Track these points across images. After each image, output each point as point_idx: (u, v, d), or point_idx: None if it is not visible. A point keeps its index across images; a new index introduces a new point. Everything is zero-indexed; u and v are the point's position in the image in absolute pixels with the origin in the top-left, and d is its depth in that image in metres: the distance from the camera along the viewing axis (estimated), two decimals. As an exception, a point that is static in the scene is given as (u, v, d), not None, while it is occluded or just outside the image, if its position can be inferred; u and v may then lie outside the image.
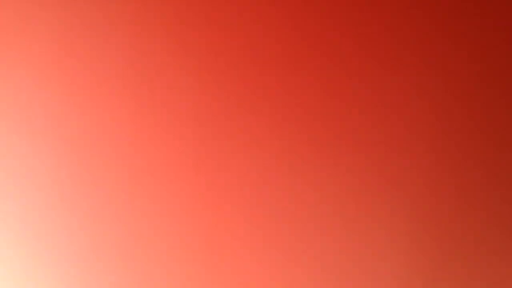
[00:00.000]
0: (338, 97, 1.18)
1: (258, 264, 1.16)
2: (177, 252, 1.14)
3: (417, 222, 1.18)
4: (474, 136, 1.19)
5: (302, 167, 1.17)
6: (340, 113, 1.18)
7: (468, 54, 1.20)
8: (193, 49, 1.16)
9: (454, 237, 1.18)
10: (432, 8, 1.20)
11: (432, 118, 1.19)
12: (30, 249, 1.12)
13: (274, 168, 1.17)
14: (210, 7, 1.17)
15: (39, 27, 1.14)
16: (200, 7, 1.17)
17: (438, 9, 1.20)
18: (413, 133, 1.18)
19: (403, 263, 1.17)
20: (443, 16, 1.20)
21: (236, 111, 1.16)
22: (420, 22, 1.19)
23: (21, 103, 1.13)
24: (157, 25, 1.16)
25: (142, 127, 1.15)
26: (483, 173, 1.19)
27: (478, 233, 1.18)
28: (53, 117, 1.14)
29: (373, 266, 1.17)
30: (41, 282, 1.12)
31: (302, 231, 1.16)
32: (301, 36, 1.18)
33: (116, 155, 1.14)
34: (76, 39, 1.15)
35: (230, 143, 1.16)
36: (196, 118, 1.16)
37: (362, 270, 1.17)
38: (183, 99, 1.16)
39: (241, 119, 1.16)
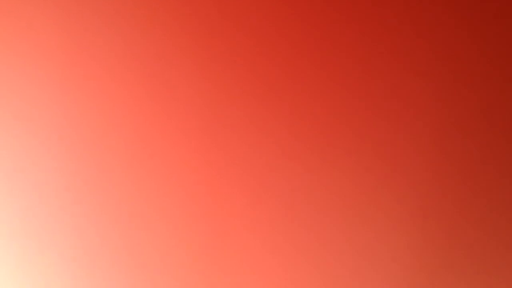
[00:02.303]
0: (349, 93, 1.18)
1: (267, 258, 1.16)
2: (185, 247, 1.15)
3: (426, 217, 1.18)
4: (481, 132, 1.19)
5: (310, 161, 1.17)
6: (351, 110, 1.18)
7: (477, 48, 1.20)
8: (202, 43, 1.16)
9: (461, 232, 1.18)
10: (440, 3, 1.20)
11: (439, 113, 1.19)
12: (31, 249, 1.12)
13: (285, 165, 1.17)
14: (220, 2, 1.17)
15: (39, 26, 1.14)
16: (209, 3, 1.17)
17: (445, 3, 1.20)
18: (422, 129, 1.19)
19: (411, 258, 1.18)
20: (452, 10, 1.20)
21: (246, 106, 1.17)
22: (429, 16, 1.20)
23: (21, 103, 1.14)
24: (167, 20, 1.16)
25: (150, 123, 1.15)
26: (491, 168, 1.19)
27: (486, 228, 1.19)
28: (61, 114, 1.14)
29: (380, 261, 1.17)
30: (42, 282, 1.12)
31: (310, 225, 1.17)
32: (311, 30, 1.18)
33: (123, 150, 1.14)
34: (85, 35, 1.15)
35: (241, 139, 1.16)
36: (204, 113, 1.16)
37: (369, 264, 1.17)
38: (191, 95, 1.16)
39: (251, 114, 1.17)
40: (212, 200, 1.16)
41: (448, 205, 1.19)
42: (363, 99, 1.18)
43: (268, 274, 1.16)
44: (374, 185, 1.18)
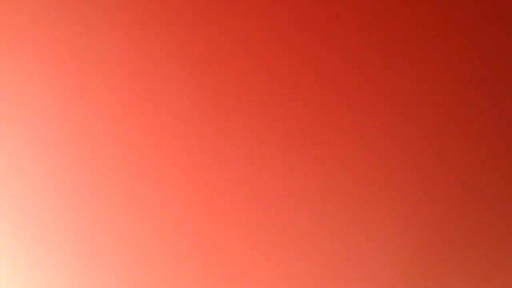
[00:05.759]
0: (340, 96, 1.18)
1: (259, 263, 1.16)
2: (177, 252, 1.15)
3: (419, 218, 1.18)
4: (474, 133, 1.19)
5: (303, 163, 1.17)
6: (342, 111, 1.18)
7: (474, 52, 1.20)
8: (193, 48, 1.16)
9: (454, 232, 1.18)
10: (437, 5, 1.20)
11: (433, 116, 1.19)
12: (30, 249, 1.12)
13: (276, 167, 1.17)
14: (211, 7, 1.17)
15: (39, 27, 1.14)
16: (200, 6, 1.17)
17: (443, 6, 1.20)
18: (414, 130, 1.18)
19: (405, 259, 1.17)
20: (447, 13, 1.20)
21: (236, 109, 1.17)
22: (424, 19, 1.20)
23: (21, 103, 1.14)
24: (158, 24, 1.16)
25: (143, 127, 1.15)
26: (484, 169, 1.19)
27: (479, 228, 1.19)
28: (54, 118, 1.14)
29: (374, 261, 1.17)
30: (41, 282, 1.12)
31: (303, 227, 1.17)
32: (302, 32, 1.18)
33: (116, 154, 1.14)
34: (76, 39, 1.15)
35: (231, 141, 1.16)
36: (195, 117, 1.16)
37: (363, 265, 1.17)
38: (182, 98, 1.16)
39: (241, 118, 1.17)
40: (204, 204, 1.16)
41: (442, 205, 1.19)
42: (356, 101, 1.18)
43: (260, 277, 1.16)
44: (367, 186, 1.18)
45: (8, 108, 1.13)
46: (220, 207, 1.16)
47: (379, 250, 1.17)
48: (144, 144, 1.15)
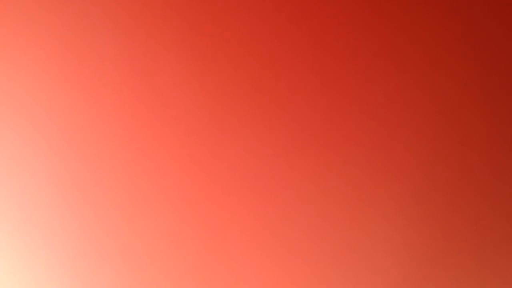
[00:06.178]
0: (341, 94, 1.18)
1: (261, 261, 1.16)
2: (179, 250, 1.14)
3: (422, 218, 1.18)
4: (477, 133, 1.19)
5: (306, 162, 1.17)
6: (343, 110, 1.18)
7: (473, 52, 1.20)
8: (194, 47, 1.16)
9: (457, 232, 1.18)
10: (437, 4, 1.20)
11: (434, 115, 1.19)
12: (30, 248, 1.12)
13: (277, 166, 1.17)
14: (211, 6, 1.17)
15: (39, 27, 1.15)
16: (200, 6, 1.17)
17: (443, 6, 1.20)
18: (418, 130, 1.18)
19: (408, 259, 1.17)
20: (447, 13, 1.20)
21: (238, 108, 1.17)
22: (423, 18, 1.20)
23: (21, 103, 1.14)
24: (158, 24, 1.16)
25: (143, 126, 1.15)
26: (487, 168, 1.19)
27: (482, 228, 1.19)
28: (53, 116, 1.14)
29: (377, 262, 1.17)
30: (40, 282, 1.12)
31: (307, 226, 1.16)
32: (305, 32, 1.18)
33: (117, 153, 1.14)
34: (77, 39, 1.15)
35: (232, 141, 1.16)
36: (197, 116, 1.16)
37: (364, 264, 1.17)
38: (184, 97, 1.16)
39: (243, 117, 1.17)
40: (206, 204, 1.15)
41: (444, 205, 1.18)
42: (359, 101, 1.18)
43: (263, 277, 1.16)
44: (371, 186, 1.18)
45: (8, 108, 1.14)
46: (221, 207, 1.16)
47: (384, 250, 1.17)
48: (147, 144, 1.15)
